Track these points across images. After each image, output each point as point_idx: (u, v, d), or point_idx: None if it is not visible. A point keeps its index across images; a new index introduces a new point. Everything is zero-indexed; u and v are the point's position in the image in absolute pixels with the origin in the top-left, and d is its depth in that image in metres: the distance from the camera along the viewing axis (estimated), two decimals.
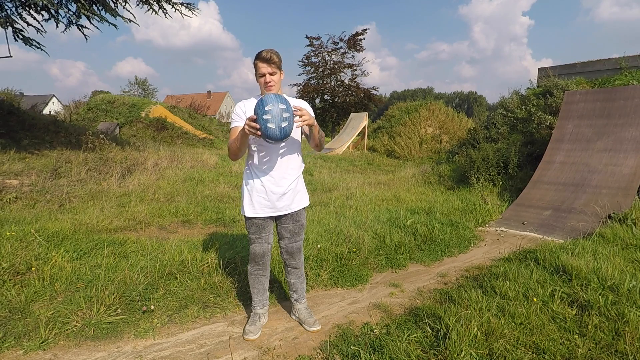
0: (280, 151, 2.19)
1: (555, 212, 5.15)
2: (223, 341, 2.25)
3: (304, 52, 36.07)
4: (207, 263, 3.00)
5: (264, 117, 1.82)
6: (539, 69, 9.52)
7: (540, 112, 7.81)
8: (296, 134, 2.22)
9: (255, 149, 2.19)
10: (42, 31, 8.04)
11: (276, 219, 2.31)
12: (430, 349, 2.01)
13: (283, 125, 1.85)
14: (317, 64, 32.20)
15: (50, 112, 20.56)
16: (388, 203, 6.07)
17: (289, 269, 2.42)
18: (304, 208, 2.33)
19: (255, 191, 2.20)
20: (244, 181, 2.28)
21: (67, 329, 2.20)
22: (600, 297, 2.42)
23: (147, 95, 41.56)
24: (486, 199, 6.03)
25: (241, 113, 2.16)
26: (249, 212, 2.21)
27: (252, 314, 2.42)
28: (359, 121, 17.55)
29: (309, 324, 2.41)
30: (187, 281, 2.81)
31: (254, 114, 1.88)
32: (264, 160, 2.18)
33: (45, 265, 2.80)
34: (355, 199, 6.14)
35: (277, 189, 2.18)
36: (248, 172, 2.25)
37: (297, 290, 2.46)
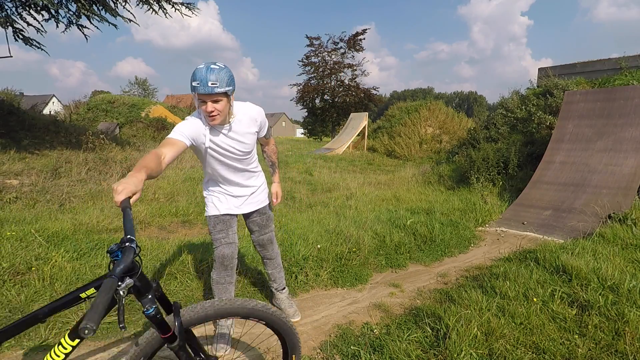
0: (235, 169, 2.07)
1: (555, 212, 5.15)
2: None
3: (304, 52, 36.03)
4: (207, 263, 3.00)
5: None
6: (539, 69, 9.53)
7: (540, 112, 7.82)
8: (250, 147, 2.05)
9: (210, 170, 2.06)
10: (42, 31, 8.05)
11: (244, 215, 2.28)
12: (430, 349, 2.01)
13: None
14: (317, 64, 32.15)
15: (50, 112, 20.52)
16: (388, 203, 6.07)
17: (264, 260, 2.47)
18: (268, 203, 2.33)
19: (216, 195, 2.14)
20: (204, 189, 2.20)
21: (67, 329, 2.20)
22: (600, 297, 2.42)
23: (147, 95, 41.54)
24: (486, 199, 6.03)
25: (184, 130, 1.78)
26: (213, 211, 2.13)
27: (219, 326, 2.19)
28: (359, 121, 17.53)
29: (289, 314, 2.46)
30: (187, 281, 2.81)
31: None
32: (220, 179, 2.10)
33: (45, 265, 2.79)
34: (355, 199, 6.14)
35: (237, 197, 2.15)
36: (207, 183, 2.18)
37: (276, 280, 2.51)
